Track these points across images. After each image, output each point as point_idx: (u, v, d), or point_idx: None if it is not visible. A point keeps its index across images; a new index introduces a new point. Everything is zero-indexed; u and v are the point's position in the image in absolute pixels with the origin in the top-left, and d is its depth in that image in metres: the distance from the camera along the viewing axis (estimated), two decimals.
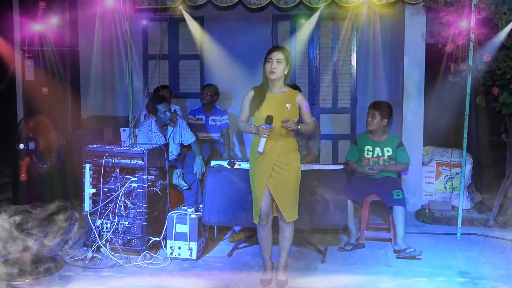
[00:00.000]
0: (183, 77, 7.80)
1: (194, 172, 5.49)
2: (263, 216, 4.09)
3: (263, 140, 3.96)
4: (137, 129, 5.64)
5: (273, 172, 4.04)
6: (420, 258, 4.68)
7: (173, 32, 7.64)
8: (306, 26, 6.99)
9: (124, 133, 6.18)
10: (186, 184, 5.43)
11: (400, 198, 4.87)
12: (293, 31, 7.39)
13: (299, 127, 3.99)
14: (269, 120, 3.94)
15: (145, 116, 6.56)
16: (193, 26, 7.12)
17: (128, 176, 4.69)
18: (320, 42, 7.38)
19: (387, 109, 5.21)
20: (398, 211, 4.83)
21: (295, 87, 4.94)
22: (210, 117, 6.66)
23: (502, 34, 5.17)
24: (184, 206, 5.02)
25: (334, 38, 7.36)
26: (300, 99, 4.10)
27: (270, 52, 4.06)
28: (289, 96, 4.08)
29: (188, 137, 5.72)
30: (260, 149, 3.97)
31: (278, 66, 4.00)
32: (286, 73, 4.07)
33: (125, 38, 6.27)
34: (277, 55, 4.01)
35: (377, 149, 5.21)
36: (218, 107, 6.75)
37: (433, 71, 5.98)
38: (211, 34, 7.41)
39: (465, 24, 5.16)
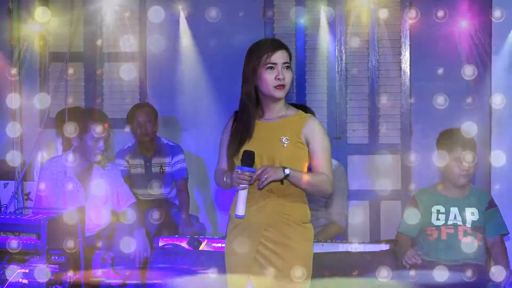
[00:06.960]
0: (109, 92, 7.87)
1: (132, 258, 5.51)
2: None
3: (242, 195, 3.89)
4: (35, 172, 5.63)
5: (259, 256, 3.99)
6: None
7: (92, 15, 7.66)
8: (323, 5, 7.20)
9: (6, 189, 6.21)
10: (118, 278, 5.44)
11: None
12: (300, 13, 7.49)
13: (287, 172, 3.85)
14: (247, 158, 3.86)
15: (41, 157, 6.56)
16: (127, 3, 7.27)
17: (13, 266, 4.71)
18: (347, 32, 7.48)
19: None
20: None
21: (305, 109, 4.77)
22: (153, 160, 6.70)
23: None
24: None
25: (372, 26, 7.44)
26: (311, 127, 4.03)
27: (269, 51, 3.98)
28: (291, 123, 4.05)
29: (125, 197, 5.79)
30: (240, 211, 3.87)
31: (287, 75, 4.00)
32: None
33: (8, 26, 6.39)
34: (284, 57, 4.01)
35: (454, 211, 5.19)
36: (166, 141, 6.78)
37: None
38: (159, 17, 7.45)
39: None
